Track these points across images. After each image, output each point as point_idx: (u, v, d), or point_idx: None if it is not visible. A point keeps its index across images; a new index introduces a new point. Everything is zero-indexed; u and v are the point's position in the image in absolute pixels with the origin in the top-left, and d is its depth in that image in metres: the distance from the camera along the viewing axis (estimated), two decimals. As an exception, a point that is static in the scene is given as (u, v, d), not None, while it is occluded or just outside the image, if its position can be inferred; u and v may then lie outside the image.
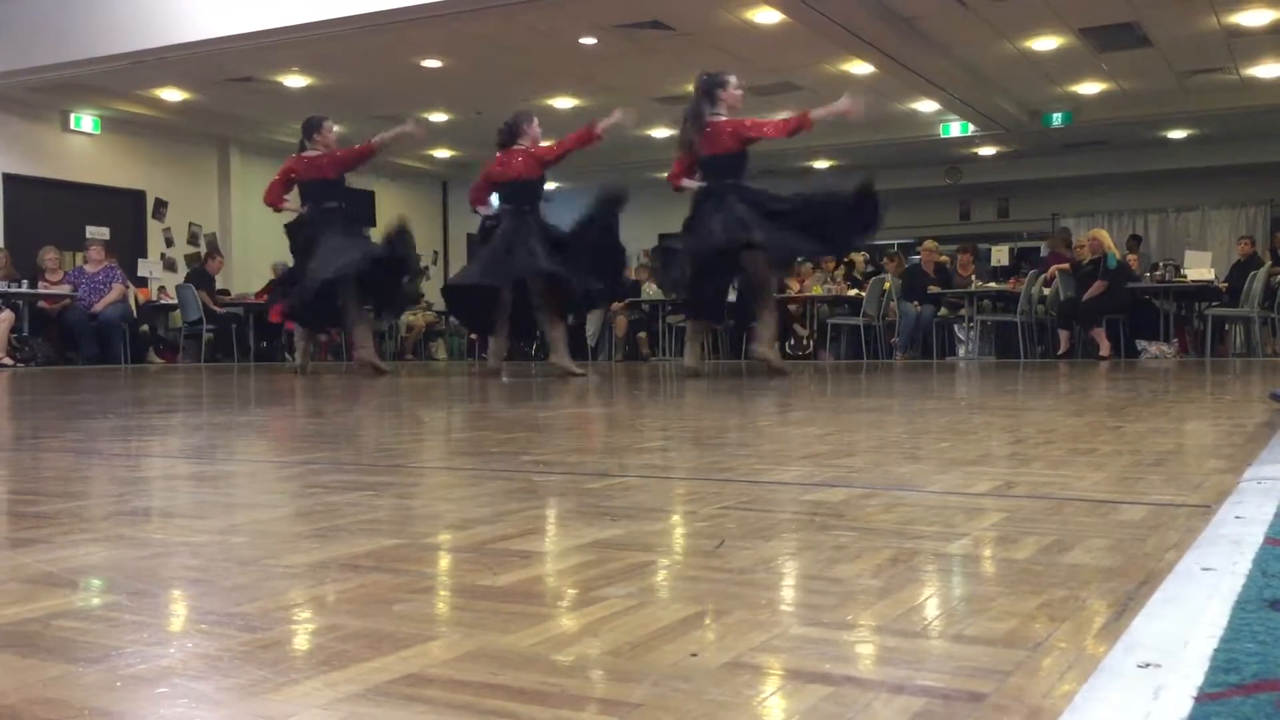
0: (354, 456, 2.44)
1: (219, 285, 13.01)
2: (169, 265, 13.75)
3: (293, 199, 7.88)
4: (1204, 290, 11.44)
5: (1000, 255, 13.19)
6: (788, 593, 1.05)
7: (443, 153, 15.90)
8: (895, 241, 15.96)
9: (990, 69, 11.79)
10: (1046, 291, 11.65)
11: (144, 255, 13.26)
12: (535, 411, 4.02)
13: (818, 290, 12.67)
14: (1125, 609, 0.92)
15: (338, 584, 1.07)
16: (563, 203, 18.88)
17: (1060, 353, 11.15)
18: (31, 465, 2.35)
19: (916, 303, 11.93)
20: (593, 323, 13.19)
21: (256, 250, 13.62)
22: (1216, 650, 0.74)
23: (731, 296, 7.33)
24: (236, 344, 12.69)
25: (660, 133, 13.69)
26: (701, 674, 0.76)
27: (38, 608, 0.96)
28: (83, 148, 13.05)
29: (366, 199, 15.40)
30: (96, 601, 1.02)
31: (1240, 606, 0.86)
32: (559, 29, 10.15)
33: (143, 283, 12.78)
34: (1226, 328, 11.84)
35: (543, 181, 7.39)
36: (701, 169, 6.56)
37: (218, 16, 9.82)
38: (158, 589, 1.06)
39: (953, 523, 1.39)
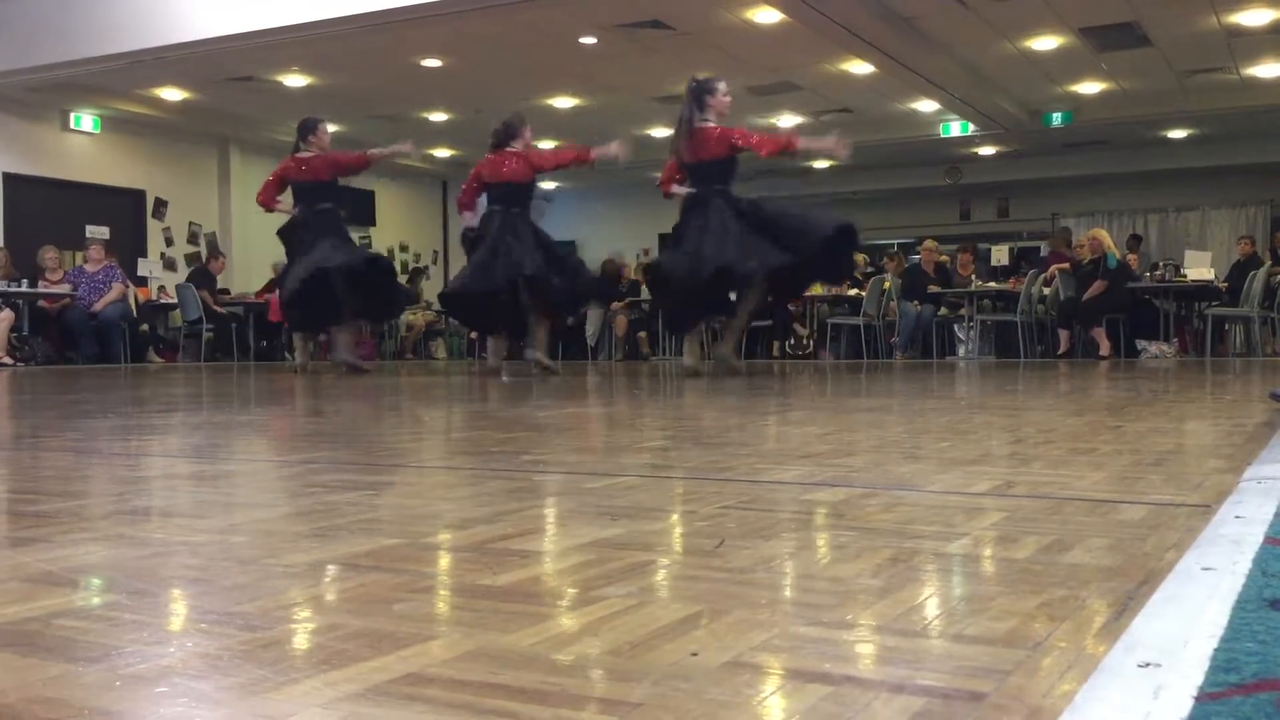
0: (354, 456, 2.44)
1: (219, 285, 13.01)
2: (169, 265, 13.76)
3: (285, 200, 7.91)
4: (1204, 290, 11.44)
5: (1000, 255, 13.19)
6: (788, 592, 1.05)
7: (443, 152, 15.89)
8: (895, 241, 15.98)
9: (990, 69, 11.79)
10: (1046, 291, 11.65)
11: (144, 255, 13.26)
12: (535, 411, 4.02)
13: (818, 290, 12.66)
14: (1125, 609, 0.92)
15: (337, 583, 1.07)
16: (563, 202, 18.90)
17: (1060, 352, 11.15)
18: (31, 464, 2.35)
19: (916, 302, 11.93)
20: (593, 322, 13.19)
21: (256, 249, 13.62)
22: (1216, 650, 0.74)
23: (732, 296, 7.35)
24: (236, 343, 12.69)
25: (660, 132, 13.67)
26: (701, 673, 0.76)
27: (38, 607, 0.96)
28: (83, 147, 13.05)
29: (366, 199, 15.42)
30: (96, 601, 1.02)
31: (1240, 606, 0.86)
32: (559, 28, 10.15)
33: (142, 282, 12.78)
34: (1226, 327, 11.84)
35: (533, 185, 7.45)
36: (689, 174, 6.60)
37: (217, 16, 9.82)
38: (157, 588, 1.06)
39: (953, 522, 1.39)
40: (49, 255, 11.53)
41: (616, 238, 16.07)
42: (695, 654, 0.80)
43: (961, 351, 11.98)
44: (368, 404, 4.66)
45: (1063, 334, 11.27)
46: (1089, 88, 12.62)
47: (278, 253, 8.71)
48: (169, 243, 14.00)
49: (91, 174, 13.11)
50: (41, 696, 0.72)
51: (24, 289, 11.17)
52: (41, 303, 11.49)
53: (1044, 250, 14.37)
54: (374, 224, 16.14)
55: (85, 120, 12.89)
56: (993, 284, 12.06)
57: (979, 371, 7.92)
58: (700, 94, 6.56)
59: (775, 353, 12.69)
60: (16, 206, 12.40)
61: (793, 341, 12.63)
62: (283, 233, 8.05)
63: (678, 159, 6.66)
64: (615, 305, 13.14)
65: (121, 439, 2.92)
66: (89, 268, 11.71)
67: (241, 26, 9.77)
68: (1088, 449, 2.29)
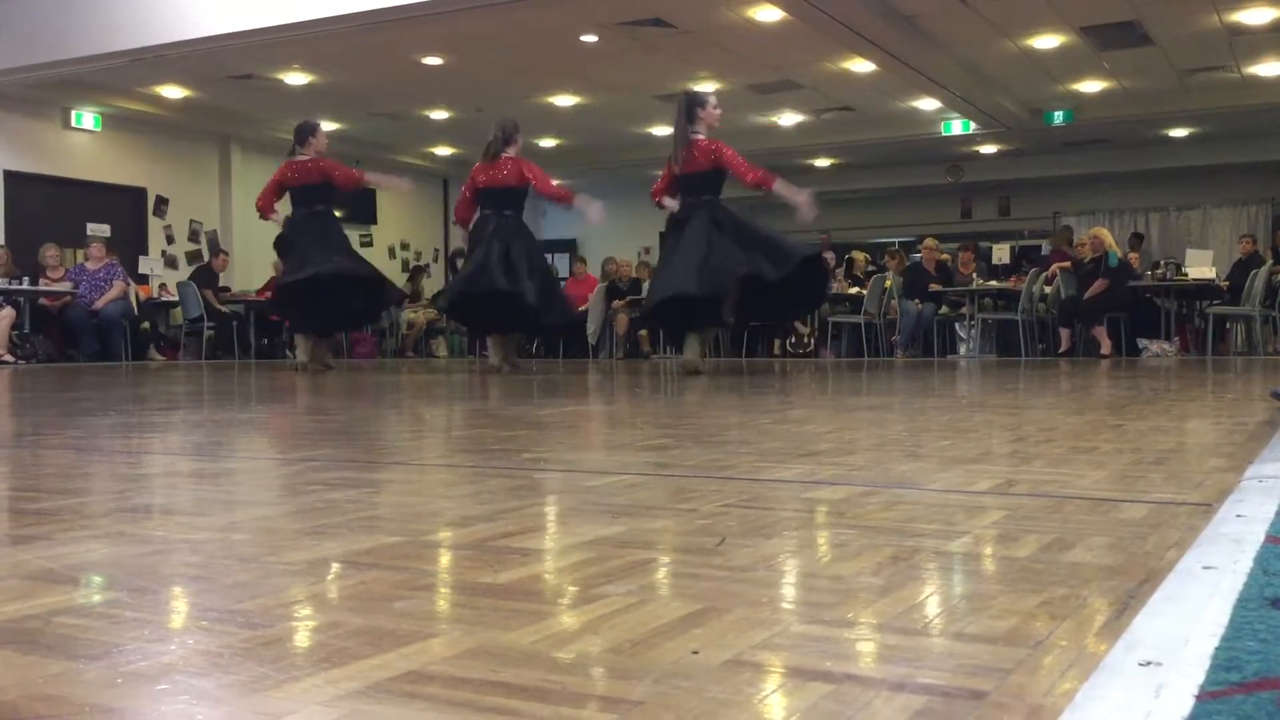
0: (355, 453, 2.44)
1: (220, 283, 13.02)
2: (170, 262, 13.76)
3: (281, 210, 8.03)
4: (1205, 289, 11.44)
5: (1001, 253, 13.18)
6: (788, 590, 1.05)
7: (444, 150, 15.90)
8: (896, 240, 15.98)
9: (991, 67, 11.78)
10: (1048, 290, 11.65)
11: (145, 252, 13.26)
12: (536, 409, 4.02)
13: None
14: (1126, 607, 0.92)
15: (338, 581, 1.07)
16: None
17: (1061, 351, 11.15)
18: (32, 462, 2.35)
19: (918, 301, 11.93)
20: (594, 320, 13.20)
21: (257, 247, 13.62)
22: (1218, 648, 0.74)
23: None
24: (237, 341, 12.70)
25: (660, 131, 13.68)
26: (702, 671, 0.76)
27: (38, 604, 0.96)
28: (84, 145, 13.05)
29: (367, 197, 15.41)
30: (97, 598, 1.02)
31: (1241, 605, 0.86)
32: (560, 26, 10.14)
33: (144, 280, 12.78)
34: (1228, 326, 11.83)
35: (526, 190, 7.55)
36: (680, 186, 6.77)
37: (218, 14, 9.82)
38: (158, 586, 1.06)
39: (953, 521, 1.39)
40: (50, 253, 11.53)
41: (617, 236, 16.06)
42: (696, 652, 0.80)
43: (962, 350, 11.98)
44: (368, 402, 4.66)
45: (1064, 333, 11.27)
46: (1090, 86, 12.61)
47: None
48: (170, 240, 14.00)
49: (92, 172, 13.11)
50: (42, 694, 0.72)
51: (25, 287, 11.17)
52: (42, 300, 11.49)
53: (1045, 249, 14.36)
54: (375, 222, 16.14)
55: (86, 118, 12.89)
56: (994, 282, 12.06)
57: (980, 370, 7.92)
58: (692, 106, 6.77)
59: (776, 351, 12.69)
60: (18, 204, 12.40)
61: (793, 340, 12.63)
62: (280, 239, 8.15)
63: (670, 170, 6.85)
64: (616, 304, 13.15)
65: (122, 437, 2.92)
66: (90, 265, 11.71)
67: (242, 25, 9.77)
68: (1089, 448, 2.29)
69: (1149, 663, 0.72)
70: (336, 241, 8.03)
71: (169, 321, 13.17)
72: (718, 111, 6.82)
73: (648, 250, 15.65)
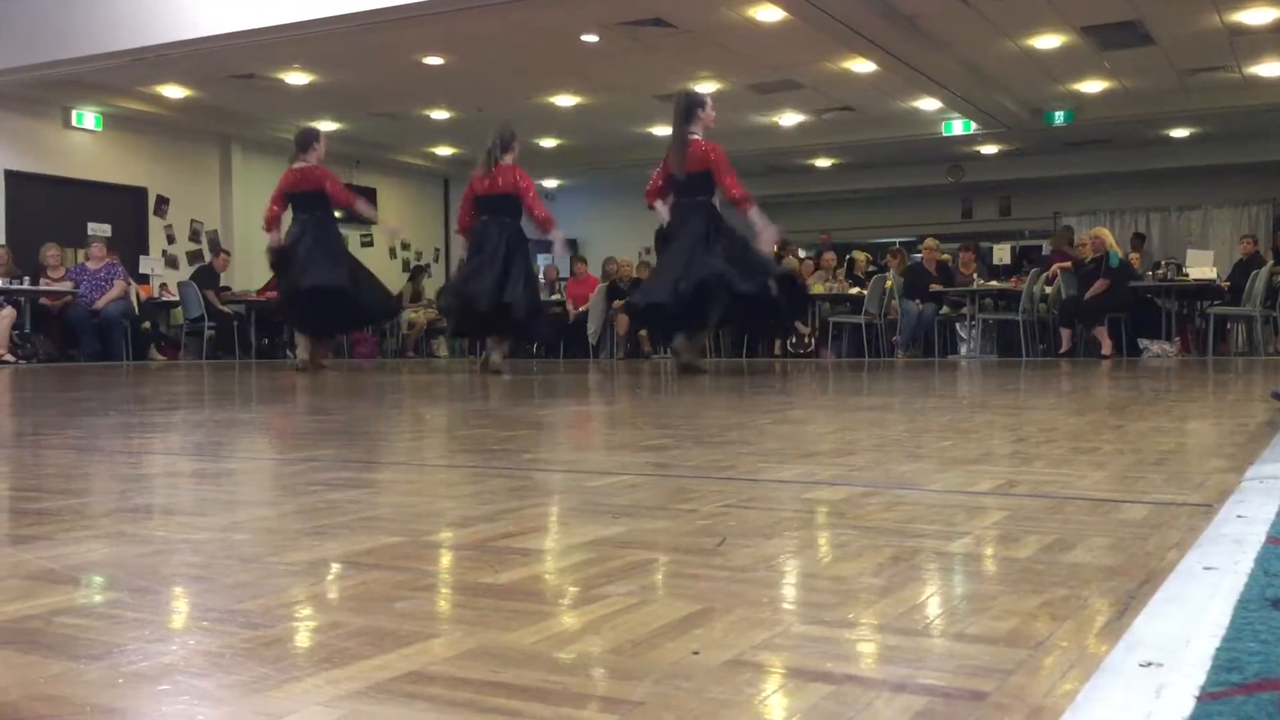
0: (355, 454, 2.44)
1: (221, 282, 13.02)
2: (170, 262, 13.76)
3: (280, 229, 8.13)
4: (1206, 289, 11.43)
5: (1002, 254, 13.18)
6: (789, 591, 1.05)
7: (444, 150, 15.89)
8: (897, 240, 15.97)
9: (992, 67, 11.78)
10: (1048, 290, 11.64)
11: (146, 252, 13.26)
12: (536, 409, 4.02)
13: (819, 288, 12.66)
14: (1127, 608, 0.92)
15: (339, 581, 1.07)
16: (564, 200, 18.89)
17: (1062, 351, 11.14)
18: (33, 462, 2.35)
19: (918, 301, 11.92)
20: (594, 320, 13.20)
21: (258, 247, 13.57)
22: (1218, 649, 0.74)
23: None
24: (238, 341, 12.70)
25: (661, 130, 13.68)
26: (703, 672, 0.76)
27: (39, 604, 0.97)
28: (84, 144, 13.05)
29: (368, 197, 15.40)
30: (98, 598, 1.02)
31: (1242, 605, 0.85)
32: (561, 26, 10.14)
33: (144, 279, 12.78)
34: (1228, 326, 11.83)
35: (520, 199, 7.56)
36: (676, 186, 6.83)
37: (219, 14, 9.82)
38: (159, 586, 1.06)
39: (954, 521, 1.39)
40: (51, 253, 11.53)
41: (617, 236, 16.07)
42: (696, 652, 0.80)
43: (963, 350, 11.97)
44: (369, 402, 4.66)
45: (1064, 333, 11.26)
46: (1091, 86, 12.61)
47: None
48: (170, 240, 14.00)
49: (93, 171, 13.11)
50: (43, 694, 0.72)
51: (26, 286, 11.18)
52: (43, 300, 11.50)
53: (1046, 249, 14.36)
54: (375, 220, 16.13)
55: (87, 118, 12.89)
56: (994, 283, 12.05)
57: (980, 370, 7.92)
58: (690, 107, 6.85)
59: (776, 351, 12.69)
60: (18, 204, 12.40)
61: (794, 340, 12.63)
62: (274, 262, 8.24)
63: (665, 170, 6.89)
64: (616, 304, 13.15)
65: (123, 436, 2.92)
66: (91, 265, 11.72)
67: (243, 24, 9.77)
68: (1089, 448, 2.29)
69: (1150, 663, 0.72)
70: (336, 250, 8.11)
71: (170, 321, 13.17)
72: (714, 113, 6.92)
73: (648, 250, 15.62)
